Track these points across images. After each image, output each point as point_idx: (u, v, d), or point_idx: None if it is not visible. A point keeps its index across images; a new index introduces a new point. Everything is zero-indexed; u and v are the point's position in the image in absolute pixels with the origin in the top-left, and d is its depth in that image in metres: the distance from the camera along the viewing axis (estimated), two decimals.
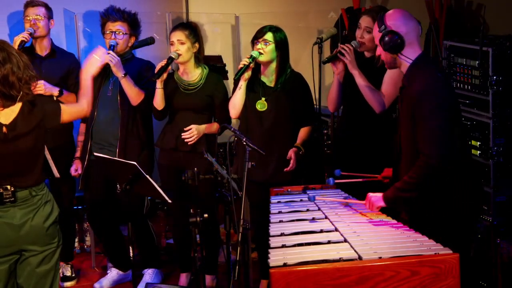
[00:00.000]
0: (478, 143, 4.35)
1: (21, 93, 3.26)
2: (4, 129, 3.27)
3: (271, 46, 4.32)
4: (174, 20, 6.01)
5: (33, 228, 3.37)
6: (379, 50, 3.40)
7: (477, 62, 4.32)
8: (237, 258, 3.25)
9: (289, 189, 3.97)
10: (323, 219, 3.36)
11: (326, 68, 4.97)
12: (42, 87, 4.63)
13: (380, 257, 2.80)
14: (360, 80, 4.14)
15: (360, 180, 3.88)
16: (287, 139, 4.40)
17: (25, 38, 4.74)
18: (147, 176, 3.92)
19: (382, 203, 3.32)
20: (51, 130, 3.46)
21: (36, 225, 3.37)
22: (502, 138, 4.24)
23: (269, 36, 4.32)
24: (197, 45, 4.58)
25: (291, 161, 4.29)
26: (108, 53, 4.47)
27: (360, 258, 2.81)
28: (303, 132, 4.43)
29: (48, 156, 3.84)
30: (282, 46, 4.35)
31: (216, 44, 6.36)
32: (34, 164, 3.39)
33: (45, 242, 3.41)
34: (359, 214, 3.40)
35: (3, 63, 3.21)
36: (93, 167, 4.74)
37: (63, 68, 4.94)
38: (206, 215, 3.74)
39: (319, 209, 3.52)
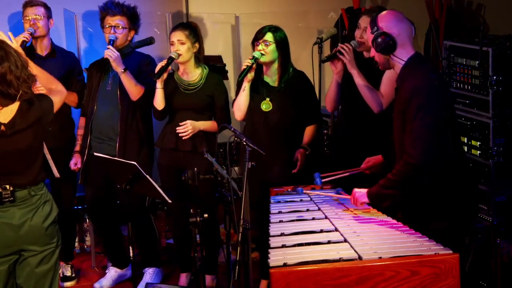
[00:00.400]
0: (478, 143, 4.35)
1: (20, 92, 3.26)
2: (3, 127, 3.26)
3: (272, 46, 4.32)
4: (174, 20, 6.01)
5: (32, 228, 3.36)
6: (373, 52, 3.43)
7: (477, 62, 4.32)
8: (237, 258, 3.26)
9: (289, 189, 3.98)
10: (323, 219, 3.36)
11: (326, 68, 4.97)
12: (43, 87, 4.62)
13: (380, 257, 2.80)
14: (359, 80, 4.14)
15: (347, 174, 3.93)
16: (293, 138, 4.40)
17: (26, 38, 4.73)
18: (147, 176, 3.92)
19: (366, 199, 3.37)
20: (51, 130, 3.45)
21: (35, 225, 3.36)
22: (502, 138, 4.24)
23: (269, 36, 4.32)
24: (197, 45, 4.57)
25: (298, 163, 4.30)
26: (108, 48, 4.46)
27: (360, 258, 2.81)
28: (309, 131, 4.43)
29: (48, 156, 3.83)
30: (282, 45, 4.35)
31: (216, 44, 6.37)
32: (32, 162, 3.38)
33: (44, 242, 3.40)
34: (359, 214, 3.40)
35: (1, 62, 3.20)
36: (93, 161, 4.73)
37: (64, 67, 4.93)
38: (206, 215, 3.74)
39: (319, 209, 3.52)
